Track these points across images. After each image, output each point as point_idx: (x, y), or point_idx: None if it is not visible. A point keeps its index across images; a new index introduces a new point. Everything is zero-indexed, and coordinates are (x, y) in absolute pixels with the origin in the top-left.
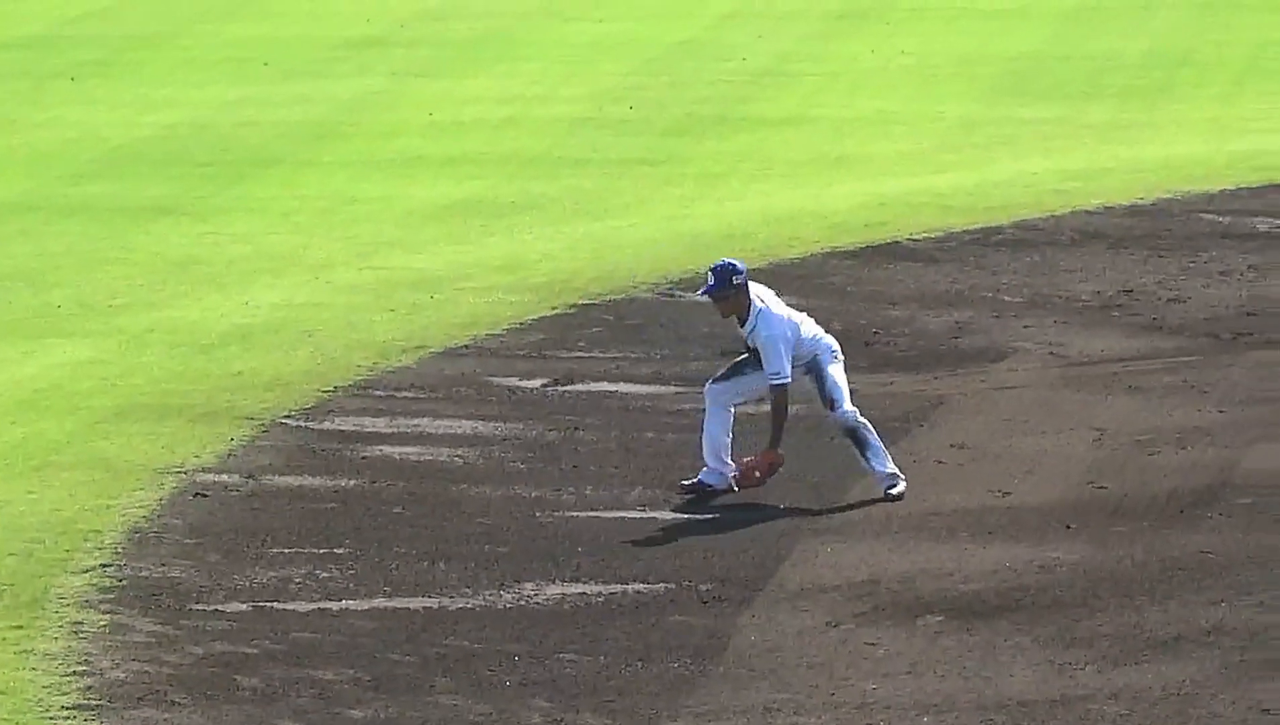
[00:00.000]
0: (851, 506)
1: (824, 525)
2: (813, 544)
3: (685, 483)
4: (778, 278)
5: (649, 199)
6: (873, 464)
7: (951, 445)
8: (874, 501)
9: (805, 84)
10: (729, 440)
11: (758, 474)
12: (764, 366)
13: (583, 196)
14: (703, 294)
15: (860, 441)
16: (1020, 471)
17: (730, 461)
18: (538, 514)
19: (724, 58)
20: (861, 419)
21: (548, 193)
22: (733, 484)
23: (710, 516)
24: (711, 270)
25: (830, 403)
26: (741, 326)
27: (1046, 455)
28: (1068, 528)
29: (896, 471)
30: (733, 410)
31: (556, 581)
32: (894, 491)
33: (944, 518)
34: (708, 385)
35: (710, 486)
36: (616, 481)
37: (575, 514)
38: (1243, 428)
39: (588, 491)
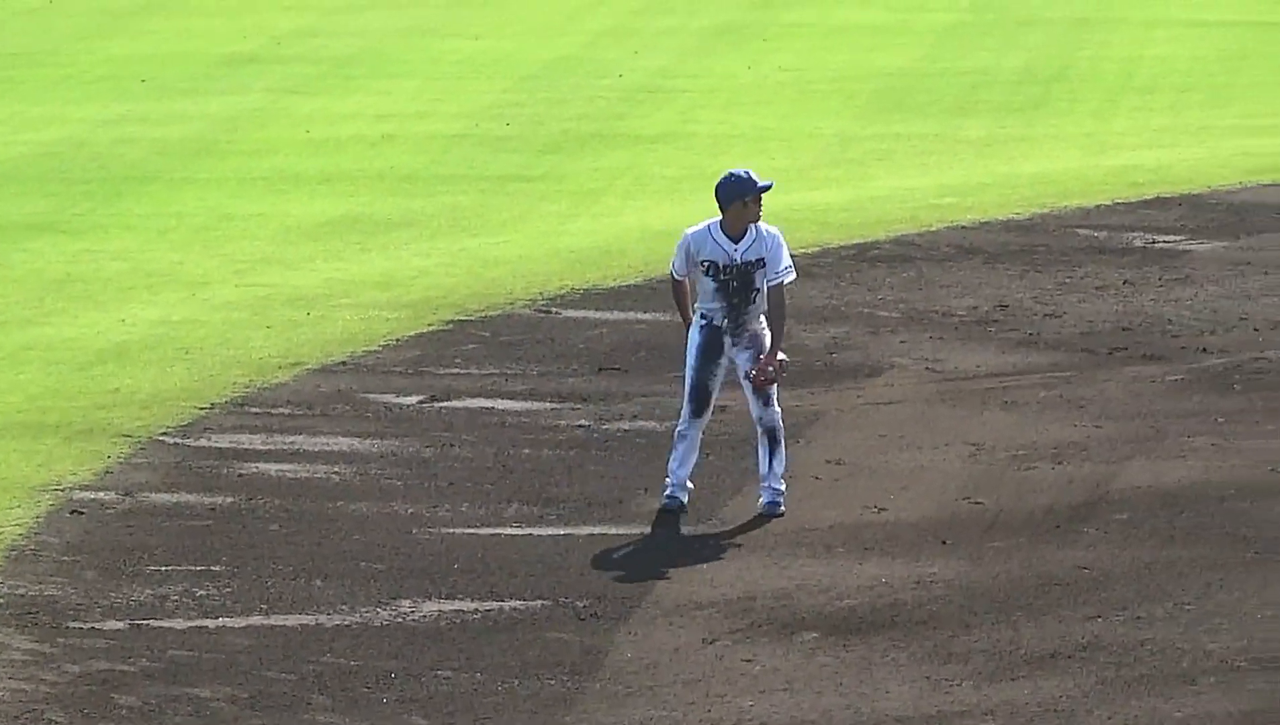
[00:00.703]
0: (727, 523)
1: (700, 542)
2: (689, 560)
3: (670, 505)
4: (656, 294)
5: (525, 216)
6: (774, 469)
7: (828, 461)
8: (751, 518)
9: (682, 100)
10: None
11: (771, 370)
12: (772, 266)
13: (459, 213)
14: (764, 188)
15: (774, 444)
16: (896, 487)
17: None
18: (414, 531)
19: (601, 74)
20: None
21: (424, 209)
22: (757, 378)
23: (587, 533)
24: (748, 174)
25: (767, 398)
26: (735, 242)
27: (922, 471)
28: (944, 543)
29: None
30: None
31: (433, 598)
32: (779, 510)
33: (820, 534)
34: (691, 420)
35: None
36: (493, 498)
37: (452, 531)
38: (1118, 443)
39: (464, 508)
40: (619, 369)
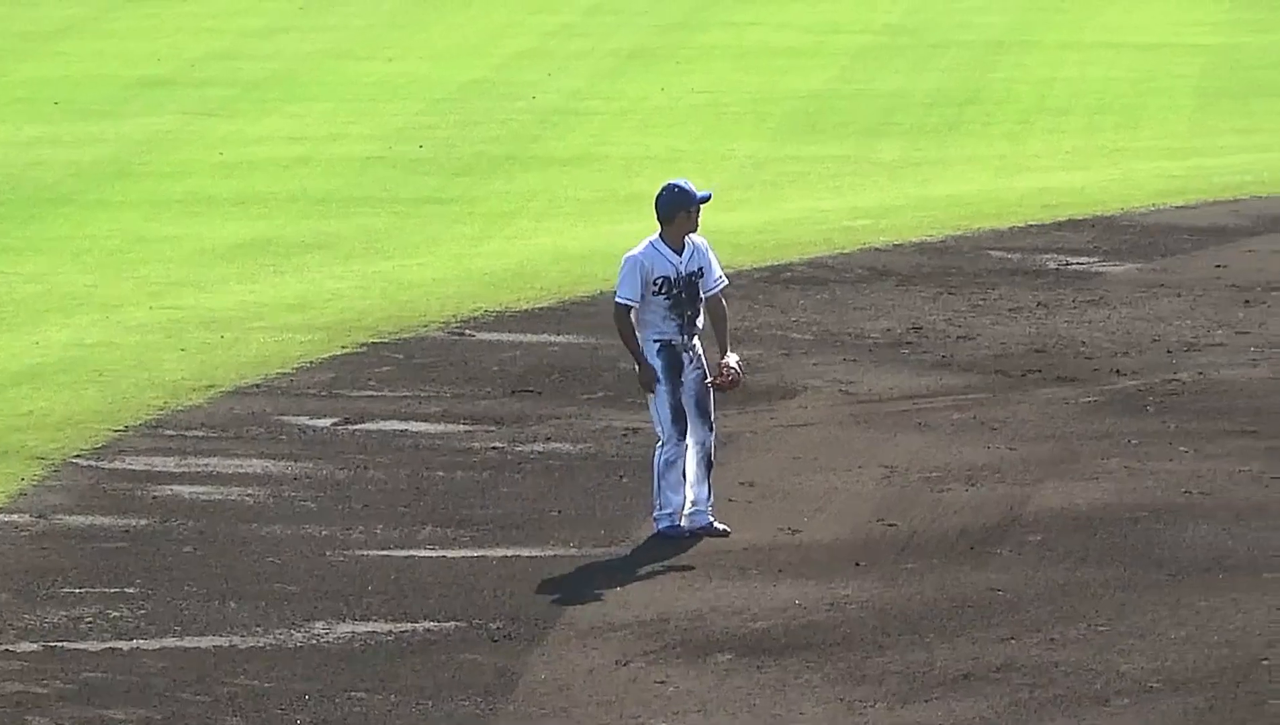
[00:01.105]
0: (641, 544)
1: (614, 563)
2: (603, 582)
3: (675, 533)
4: (570, 317)
5: (439, 238)
6: (711, 491)
7: (741, 483)
8: (661, 540)
9: (595, 122)
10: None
11: (735, 369)
12: (709, 275)
13: (373, 235)
14: (705, 199)
15: (709, 468)
16: (810, 509)
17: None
18: (328, 553)
19: (514, 96)
20: None
21: (338, 232)
22: (725, 381)
23: (500, 554)
24: (688, 184)
25: (710, 422)
26: (679, 254)
27: (836, 493)
28: (857, 565)
29: None
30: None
31: (347, 620)
32: (718, 525)
33: (734, 555)
34: (678, 443)
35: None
36: (407, 520)
37: (365, 553)
38: (1031, 465)
39: (378, 530)
40: (533, 391)
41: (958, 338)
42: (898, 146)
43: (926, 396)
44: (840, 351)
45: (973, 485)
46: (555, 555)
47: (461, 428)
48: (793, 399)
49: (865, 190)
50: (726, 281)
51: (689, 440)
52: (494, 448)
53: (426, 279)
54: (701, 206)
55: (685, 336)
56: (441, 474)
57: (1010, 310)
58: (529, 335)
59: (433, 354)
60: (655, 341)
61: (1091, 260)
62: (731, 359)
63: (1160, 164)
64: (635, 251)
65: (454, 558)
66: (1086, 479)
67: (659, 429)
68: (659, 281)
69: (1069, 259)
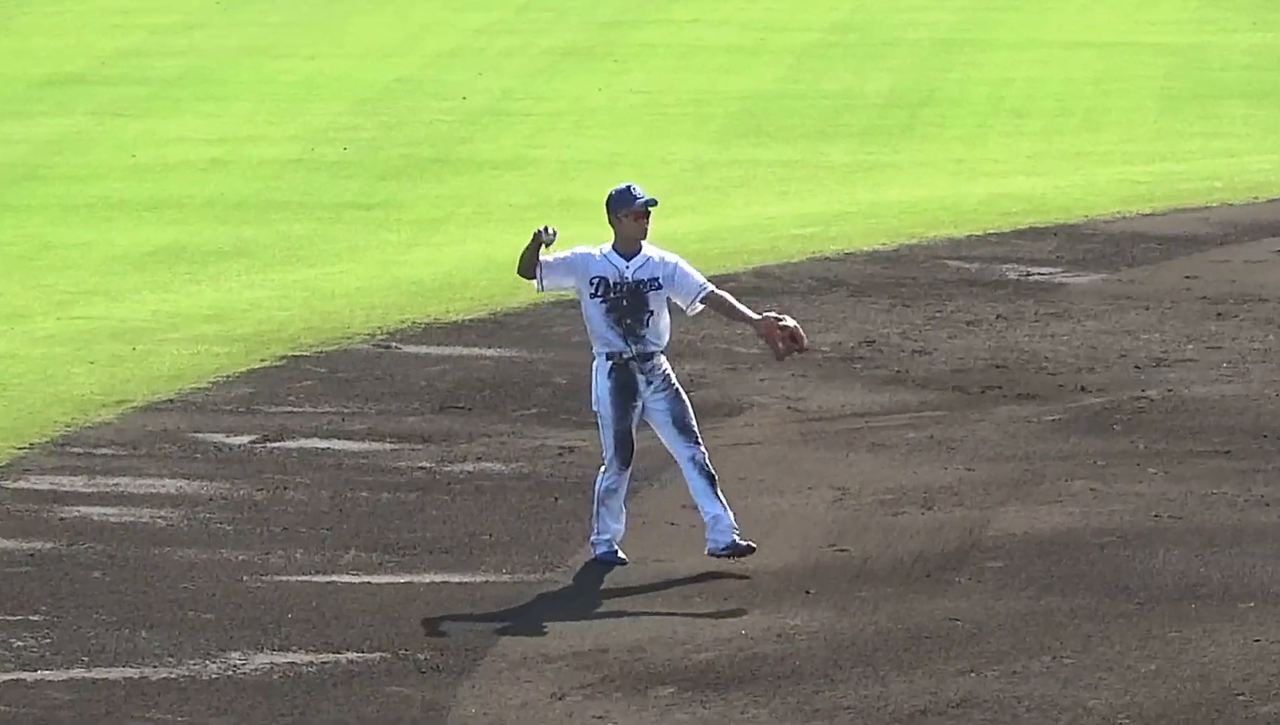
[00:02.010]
0: (577, 570)
1: (549, 591)
2: (537, 610)
3: (611, 559)
4: (502, 329)
5: (363, 245)
6: (725, 505)
7: (684, 506)
8: (599, 566)
9: (528, 124)
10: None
11: (792, 339)
12: (687, 285)
13: (294, 242)
14: (647, 204)
15: (713, 481)
16: (757, 533)
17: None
18: (245, 578)
19: (442, 96)
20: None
21: (257, 238)
22: (789, 340)
23: (429, 581)
24: (630, 187)
25: (694, 435)
26: (628, 261)
27: (784, 516)
28: (807, 593)
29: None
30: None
31: (265, 650)
32: (745, 543)
33: (676, 583)
34: (620, 473)
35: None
36: (329, 544)
37: (285, 578)
38: (992, 487)
39: (298, 555)
40: (462, 408)
41: (913, 352)
42: (848, 149)
43: (880, 414)
44: (788, 366)
45: (929, 508)
46: (486, 582)
47: (387, 446)
48: (738, 417)
49: (814, 196)
50: (709, 287)
51: (680, 463)
52: (421, 467)
53: (350, 288)
54: (649, 211)
55: (632, 347)
56: (366, 495)
57: (968, 323)
58: (458, 348)
59: (357, 368)
60: (606, 356)
61: (1054, 271)
62: (778, 316)
63: (1124, 169)
64: (587, 247)
65: (379, 584)
66: (1050, 502)
67: (604, 453)
68: (595, 281)
69: (1030, 269)
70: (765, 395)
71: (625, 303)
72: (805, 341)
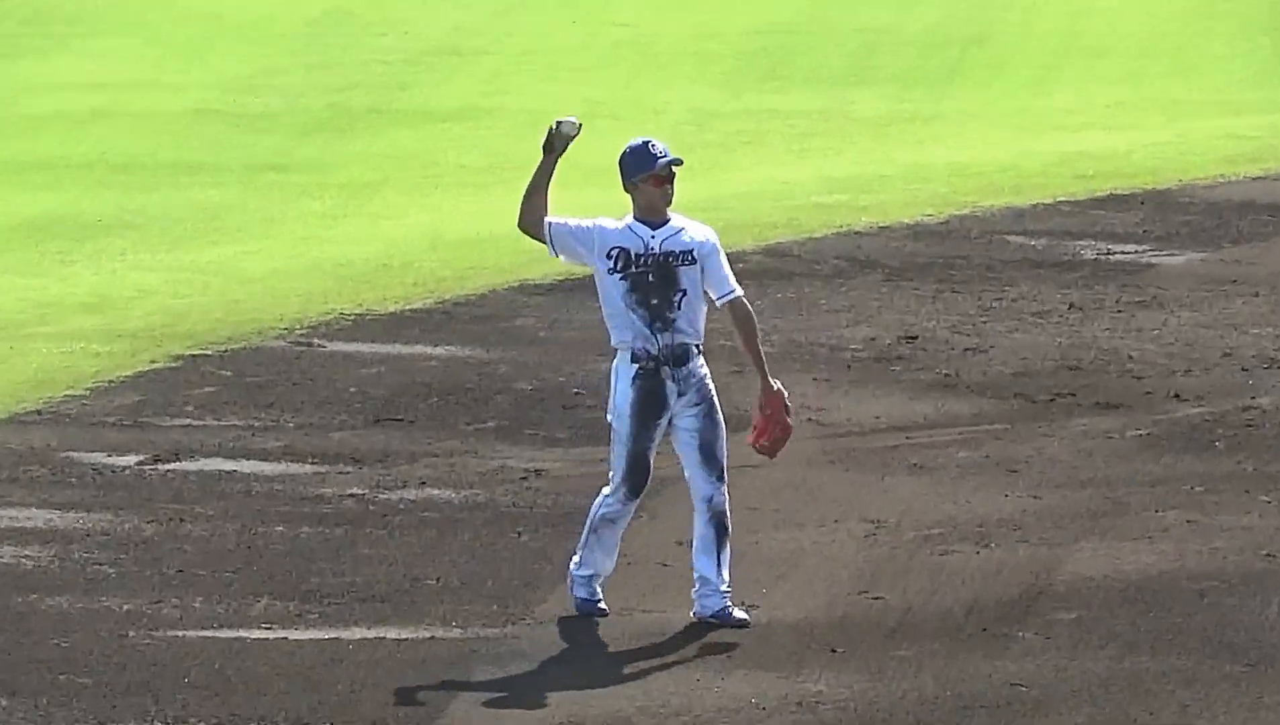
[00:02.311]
0: (547, 622)
1: (509, 647)
2: (497, 672)
3: (591, 609)
4: (452, 321)
5: (280, 217)
6: (722, 573)
7: (679, 542)
8: (574, 618)
9: (486, 66)
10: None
11: (779, 434)
12: (717, 279)
13: (195, 214)
14: (670, 164)
15: (722, 534)
16: (770, 577)
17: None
18: (131, 633)
19: (380, 32)
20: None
21: (148, 209)
22: (762, 447)
23: (360, 637)
24: (648, 144)
25: (723, 471)
26: (654, 230)
27: (804, 555)
28: (833, 652)
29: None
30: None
31: (156, 722)
32: (736, 616)
33: (670, 638)
34: (627, 502)
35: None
36: (236, 591)
37: (181, 633)
38: (1063, 519)
39: (197, 604)
40: (402, 420)
41: (965, 351)
42: (882, 98)
43: (924, 428)
44: (809, 368)
45: (985, 546)
46: (432, 638)
47: (309, 468)
48: (746, 431)
49: (841, 155)
50: (740, 292)
51: (694, 499)
52: (351, 495)
53: (264, 271)
54: (674, 173)
55: (659, 337)
56: (282, 530)
57: (1034, 314)
58: (397, 346)
59: (271, 370)
60: (632, 358)
61: (1140, 248)
62: (776, 390)
63: (1226, 122)
64: (611, 219)
65: (298, 640)
66: (1137, 538)
67: (611, 473)
68: (614, 254)
69: (1110, 246)
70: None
71: (651, 278)
72: (782, 434)
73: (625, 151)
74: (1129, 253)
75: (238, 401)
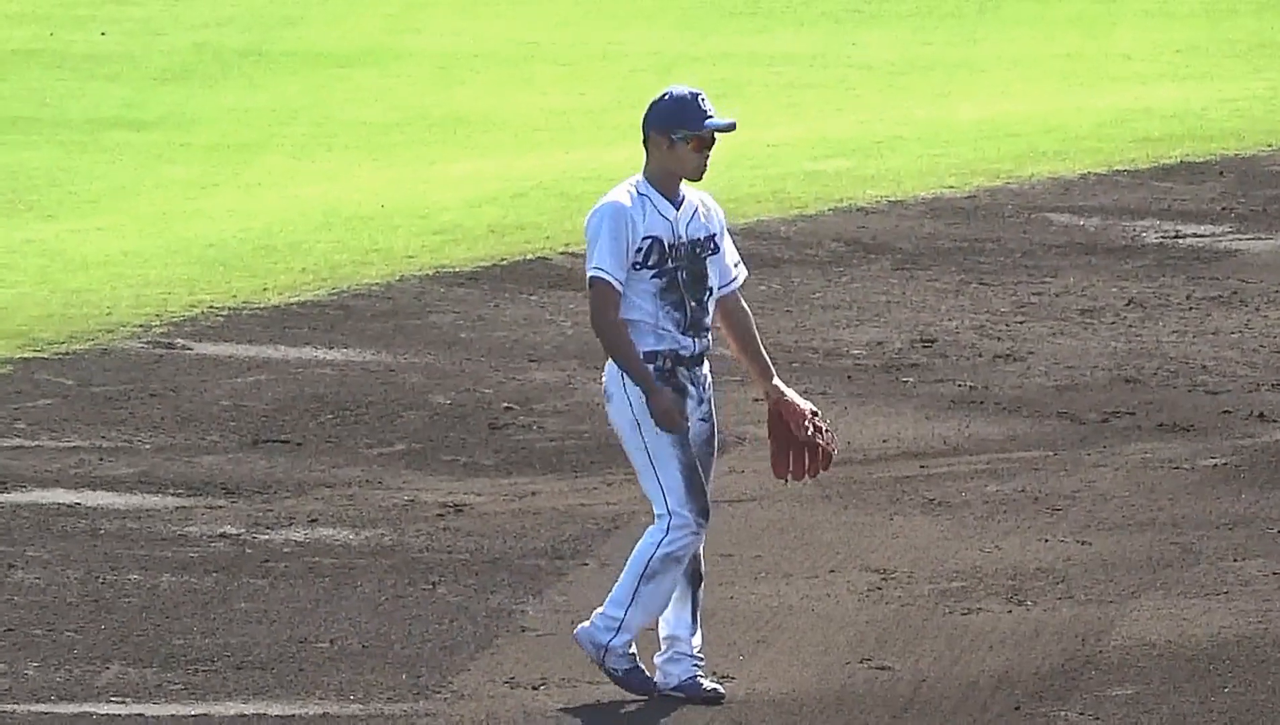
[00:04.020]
0: (466, 695)
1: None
2: None
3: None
4: (350, 318)
5: (133, 186)
6: (696, 630)
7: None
8: (498, 692)
9: None
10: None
11: (821, 427)
12: (722, 259)
13: (22, 181)
14: (725, 128)
15: (697, 582)
16: (750, 641)
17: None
18: None
19: None
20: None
21: None
22: (791, 472)
23: (235, 712)
24: (699, 97)
25: (708, 505)
26: (676, 207)
27: (794, 614)
28: None
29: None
30: None
31: None
32: (708, 688)
33: (629, 715)
34: (699, 527)
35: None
36: (79, 654)
37: (10, 708)
38: (1118, 569)
39: (30, 670)
40: (287, 442)
41: (995, 358)
42: (894, 38)
43: (944, 455)
44: (802, 377)
45: (1019, 603)
46: (324, 714)
47: (169, 501)
48: (722, 457)
49: (841, 111)
50: (745, 273)
51: None
52: (223, 535)
53: (111, 253)
54: (715, 140)
55: (695, 346)
56: (136, 578)
57: (1083, 312)
58: (281, 348)
59: (123, 377)
60: (650, 358)
61: (1218, 230)
62: (797, 397)
63: None
64: (609, 197)
65: (157, 717)
66: (1209, 594)
67: (661, 501)
68: (645, 245)
69: (1180, 227)
70: (763, 424)
71: (685, 275)
72: (823, 458)
73: (666, 98)
74: (1203, 236)
75: (80, 417)
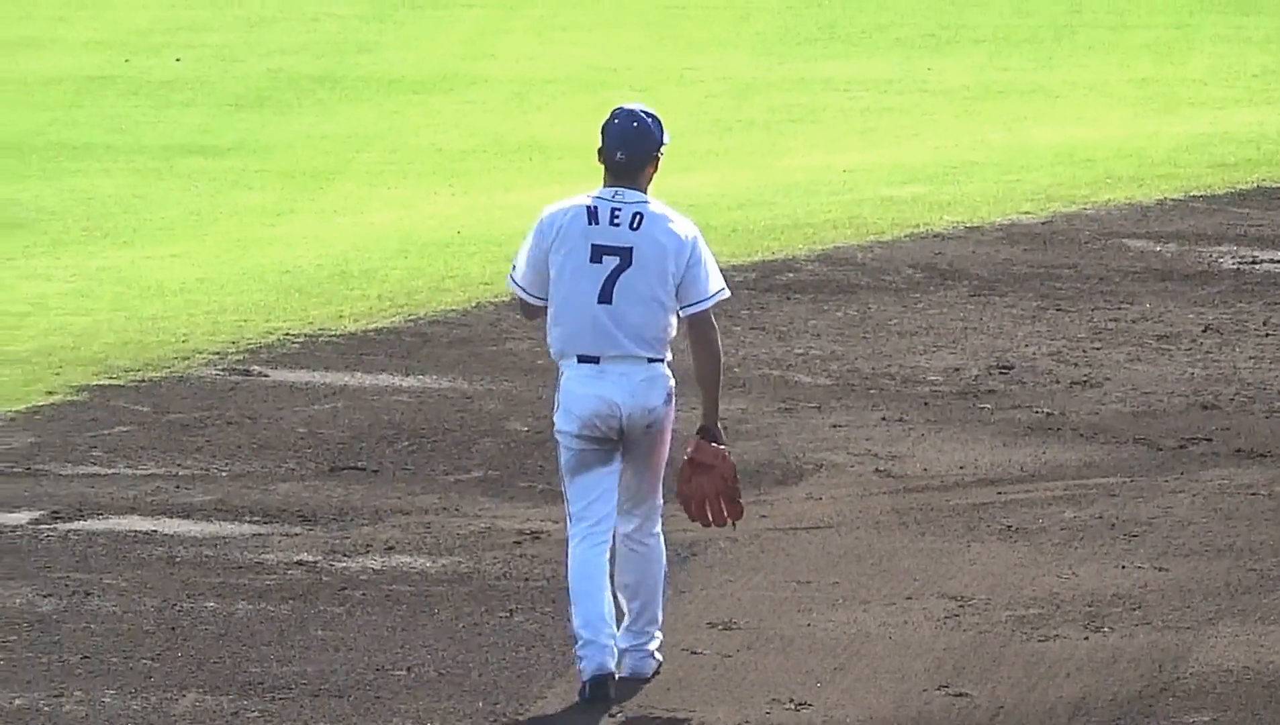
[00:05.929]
0: (549, 712)
1: None
2: None
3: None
4: (426, 345)
5: (209, 213)
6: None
7: (712, 624)
8: (581, 716)
9: (466, 23)
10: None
11: (721, 502)
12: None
13: (99, 208)
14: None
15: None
16: (827, 668)
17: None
18: None
19: None
20: None
21: (39, 201)
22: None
23: None
24: (649, 115)
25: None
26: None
27: (869, 641)
28: None
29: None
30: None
31: None
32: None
33: None
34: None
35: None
36: (156, 682)
37: None
38: (1196, 596)
39: (107, 699)
40: (364, 468)
41: (1072, 384)
42: (970, 64)
43: (1021, 481)
44: (877, 405)
45: (1097, 630)
46: None
47: (246, 528)
48: (798, 484)
49: (917, 137)
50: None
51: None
52: (300, 563)
53: (187, 281)
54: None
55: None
56: (213, 606)
57: (1160, 338)
58: (359, 375)
59: (199, 405)
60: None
61: None
62: (712, 451)
63: None
64: (686, 218)
65: None
66: None
67: (658, 515)
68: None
69: (1258, 254)
70: (841, 451)
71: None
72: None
73: (651, 117)
74: None
75: (157, 445)
